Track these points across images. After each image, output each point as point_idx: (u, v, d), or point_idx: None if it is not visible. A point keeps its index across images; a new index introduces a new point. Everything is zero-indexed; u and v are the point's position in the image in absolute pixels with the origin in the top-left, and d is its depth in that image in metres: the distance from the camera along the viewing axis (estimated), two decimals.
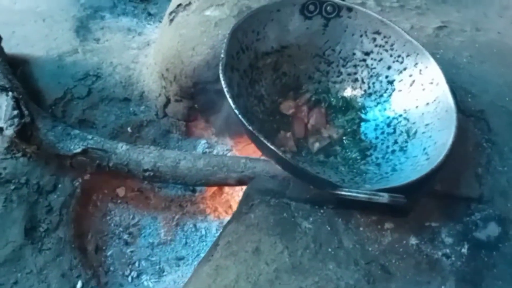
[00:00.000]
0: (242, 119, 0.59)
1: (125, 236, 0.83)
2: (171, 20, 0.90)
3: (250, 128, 0.59)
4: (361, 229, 0.62)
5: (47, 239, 0.73)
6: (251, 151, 0.87)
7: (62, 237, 0.74)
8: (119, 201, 0.86)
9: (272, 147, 0.58)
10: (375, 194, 0.53)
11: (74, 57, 0.96)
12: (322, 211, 0.63)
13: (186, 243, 0.85)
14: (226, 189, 0.91)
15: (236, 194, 0.90)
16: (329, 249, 0.58)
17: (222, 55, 0.66)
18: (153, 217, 0.87)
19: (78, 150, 0.78)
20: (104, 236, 0.82)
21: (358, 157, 0.75)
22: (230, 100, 0.61)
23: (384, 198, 0.51)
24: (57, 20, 1.04)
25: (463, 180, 0.71)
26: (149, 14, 1.21)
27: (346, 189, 0.54)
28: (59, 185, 0.79)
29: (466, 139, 0.76)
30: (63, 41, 0.99)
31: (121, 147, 0.80)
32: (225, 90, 0.62)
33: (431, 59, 0.76)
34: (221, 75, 0.63)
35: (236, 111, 0.60)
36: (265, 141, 0.58)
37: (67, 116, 0.87)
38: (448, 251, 0.61)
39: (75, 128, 0.82)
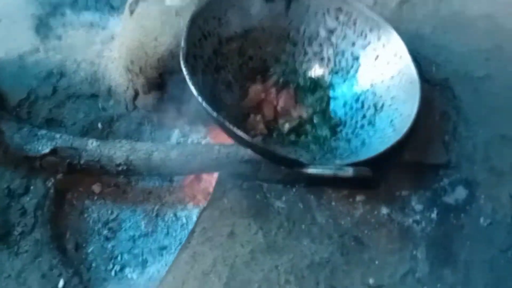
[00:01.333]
0: (207, 107, 0.59)
1: (105, 232, 0.82)
2: (132, 12, 0.89)
3: (215, 115, 0.59)
4: (333, 203, 0.63)
5: (23, 242, 0.72)
6: (226, 136, 0.87)
7: (38, 239, 0.73)
8: (95, 197, 0.86)
9: (238, 132, 0.58)
10: (340, 168, 0.54)
11: (35, 56, 0.94)
12: (294, 190, 0.64)
13: (167, 232, 0.85)
14: (204, 176, 0.91)
15: (214, 180, 0.90)
16: (303, 226, 0.59)
17: (182, 44, 0.65)
18: (132, 210, 0.86)
19: (47, 150, 0.76)
20: (83, 233, 0.81)
21: (329, 135, 0.76)
22: (192, 89, 0.60)
23: (349, 172, 0.52)
24: (15, 20, 1.01)
25: (431, 148, 0.72)
26: (112, 7, 1.18)
27: (313, 166, 0.55)
28: (31, 187, 0.78)
29: (433, 108, 0.78)
30: (23, 41, 0.96)
31: (92, 144, 0.79)
32: (187, 78, 0.62)
33: (394, 33, 0.77)
34: (182, 64, 0.63)
35: (199, 99, 0.60)
36: (231, 127, 0.58)
37: (33, 117, 0.85)
38: (418, 217, 0.63)
39: (42, 129, 0.80)
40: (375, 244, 0.59)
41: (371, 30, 0.79)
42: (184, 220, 0.86)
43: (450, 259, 0.58)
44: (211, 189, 0.89)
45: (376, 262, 0.57)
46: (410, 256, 0.58)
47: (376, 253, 0.58)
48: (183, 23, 0.81)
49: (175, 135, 0.94)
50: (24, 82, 0.88)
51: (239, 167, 0.69)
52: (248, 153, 0.74)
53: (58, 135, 0.78)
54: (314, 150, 0.73)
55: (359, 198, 0.64)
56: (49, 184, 0.79)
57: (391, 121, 0.72)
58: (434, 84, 0.82)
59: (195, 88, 0.62)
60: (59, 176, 0.80)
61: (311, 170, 0.55)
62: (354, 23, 0.81)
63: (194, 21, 0.70)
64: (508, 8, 1.00)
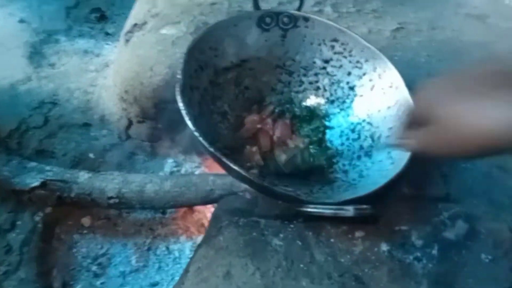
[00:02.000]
0: (203, 142, 0.58)
1: (94, 268, 0.79)
2: (127, 41, 0.88)
3: (212, 149, 0.58)
4: (332, 240, 0.61)
5: (7, 282, 0.69)
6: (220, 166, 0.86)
7: (23, 278, 0.70)
8: (85, 231, 0.83)
9: (235, 167, 0.56)
10: (340, 208, 0.52)
11: (28, 85, 0.93)
12: (292, 225, 0.62)
13: (159, 267, 0.82)
14: (197, 207, 0.89)
15: (208, 211, 0.88)
16: (301, 265, 0.57)
17: (178, 76, 0.64)
18: (123, 244, 0.83)
19: (36, 183, 0.74)
20: (71, 270, 0.78)
21: (325, 165, 0.75)
22: (189, 123, 0.59)
23: (350, 212, 0.51)
24: (8, 47, 1.00)
25: (430, 180, 0.71)
26: (107, 33, 1.18)
27: (312, 206, 0.54)
28: (18, 222, 0.75)
29: None
30: (16, 69, 0.95)
31: (83, 176, 0.77)
32: (184, 113, 0.60)
33: (389, 63, 0.77)
34: (178, 97, 0.62)
35: (196, 134, 0.58)
36: (227, 161, 0.57)
37: (24, 147, 0.83)
38: (419, 254, 0.61)
39: (32, 160, 0.78)
40: (376, 284, 0.56)
41: (366, 60, 0.79)
42: (176, 254, 0.83)
43: None
44: (204, 220, 0.87)
45: None
46: None
47: None
48: (179, 52, 0.81)
49: (169, 164, 0.93)
50: (15, 112, 0.86)
51: (235, 202, 0.67)
52: (244, 184, 0.72)
53: (48, 167, 0.76)
54: (312, 181, 0.72)
55: (358, 234, 0.62)
56: (37, 218, 0.77)
57: (389, 152, 0.71)
58: None
59: (191, 121, 0.60)
60: (48, 210, 0.78)
61: (311, 210, 0.53)
62: (350, 53, 0.81)
63: (191, 53, 0.69)
64: (501, 35, 1.01)
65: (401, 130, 0.50)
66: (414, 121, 0.47)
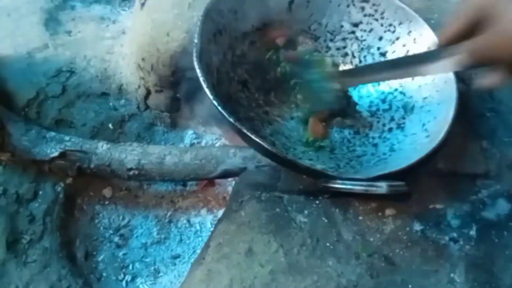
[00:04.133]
0: (222, 111, 0.54)
1: (116, 239, 0.79)
2: (143, 4, 0.84)
3: (232, 120, 0.54)
4: (360, 218, 0.57)
5: (32, 250, 0.69)
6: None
7: (47, 247, 0.70)
8: (106, 202, 0.82)
9: (256, 139, 0.53)
10: (372, 185, 0.48)
11: (44, 53, 0.90)
12: (317, 202, 0.59)
13: (181, 240, 0.81)
14: (219, 180, 0.86)
15: (229, 184, 0.86)
16: (327, 244, 0.54)
17: (195, 40, 0.60)
18: (144, 216, 0.83)
19: (56, 153, 0.73)
20: (94, 240, 0.78)
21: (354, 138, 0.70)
22: (207, 91, 0.55)
23: (383, 188, 0.47)
24: (23, 14, 0.97)
25: (467, 155, 0.66)
26: None
27: (340, 182, 0.50)
28: (40, 192, 0.75)
29: (468, 110, 0.71)
30: (32, 36, 0.92)
31: (102, 147, 0.76)
32: (201, 79, 0.56)
33: (426, 26, 0.70)
34: (195, 63, 0.58)
35: (215, 103, 0.55)
36: (248, 133, 0.53)
37: (43, 117, 0.82)
38: (455, 234, 0.57)
39: (51, 130, 0.77)
40: (408, 265, 0.53)
41: (400, 23, 0.73)
42: (197, 227, 0.82)
43: (493, 283, 0.52)
44: (225, 195, 0.85)
45: (410, 286, 0.51)
46: (448, 279, 0.52)
47: (409, 275, 0.52)
48: (196, 16, 0.76)
49: (189, 136, 0.90)
50: (33, 81, 0.84)
51: (257, 176, 0.64)
52: (265, 159, 0.69)
53: (67, 138, 0.75)
54: (338, 155, 0.68)
55: (388, 212, 0.58)
56: (59, 189, 0.76)
57: (424, 124, 0.66)
58: (470, 83, 0.74)
59: (210, 89, 0.56)
60: (69, 180, 0.77)
61: (339, 186, 0.49)
62: (382, 16, 0.74)
63: (208, 15, 0.64)
64: None
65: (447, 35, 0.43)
66: (465, 26, 0.40)
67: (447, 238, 0.56)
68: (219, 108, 0.55)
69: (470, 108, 0.72)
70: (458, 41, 0.44)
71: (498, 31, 0.36)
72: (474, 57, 0.42)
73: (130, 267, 0.76)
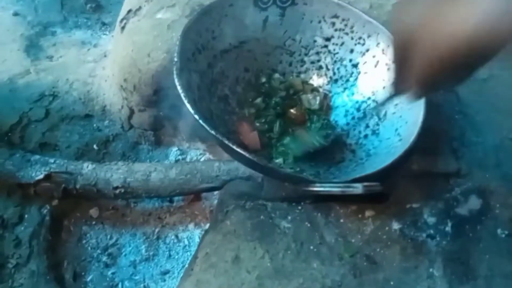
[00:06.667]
0: (204, 125, 0.56)
1: (104, 258, 0.79)
2: (123, 28, 0.86)
3: (213, 132, 0.56)
4: (341, 221, 0.60)
5: (18, 274, 0.69)
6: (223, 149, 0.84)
7: (34, 270, 0.70)
8: (93, 222, 0.83)
9: (238, 149, 0.55)
10: (348, 186, 0.51)
11: (26, 78, 0.91)
12: (300, 207, 0.61)
13: (169, 255, 0.82)
14: (205, 195, 0.88)
15: (215, 198, 0.87)
16: (311, 247, 0.56)
17: (175, 59, 0.63)
18: (132, 234, 0.83)
19: (41, 176, 0.74)
20: (82, 261, 0.78)
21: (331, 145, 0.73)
22: (188, 106, 0.58)
23: (358, 189, 0.49)
24: (3, 42, 0.99)
25: (440, 156, 0.69)
26: (104, 24, 1.16)
27: (319, 184, 0.52)
28: (26, 216, 0.75)
29: (438, 114, 0.75)
30: (13, 63, 0.94)
31: (87, 167, 0.77)
32: (183, 96, 0.59)
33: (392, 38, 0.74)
34: (176, 81, 0.60)
35: (196, 117, 0.57)
36: (229, 144, 0.55)
37: (26, 141, 0.83)
38: (432, 231, 0.59)
39: (35, 154, 0.77)
40: (389, 263, 0.55)
41: (369, 36, 0.77)
42: (186, 242, 0.83)
43: (469, 275, 0.55)
44: (212, 208, 0.86)
45: (391, 283, 0.53)
46: (427, 274, 0.54)
47: (390, 272, 0.54)
48: (175, 37, 0.79)
49: (173, 153, 0.92)
50: (15, 106, 0.86)
51: (240, 186, 0.66)
52: (249, 169, 0.71)
53: (52, 160, 0.76)
54: (318, 163, 0.70)
55: (368, 213, 0.61)
56: (45, 211, 0.77)
57: (396, 129, 0.69)
58: None
59: (191, 105, 0.59)
60: (55, 202, 0.78)
61: (318, 189, 0.52)
62: (351, 30, 0.78)
63: (186, 35, 0.67)
64: None
65: (394, 75, 0.47)
66: (401, 56, 0.44)
67: (424, 235, 0.59)
68: (201, 121, 0.57)
69: (440, 112, 0.76)
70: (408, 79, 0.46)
71: (419, 58, 0.40)
72: (420, 88, 0.44)
73: (120, 285, 0.76)
